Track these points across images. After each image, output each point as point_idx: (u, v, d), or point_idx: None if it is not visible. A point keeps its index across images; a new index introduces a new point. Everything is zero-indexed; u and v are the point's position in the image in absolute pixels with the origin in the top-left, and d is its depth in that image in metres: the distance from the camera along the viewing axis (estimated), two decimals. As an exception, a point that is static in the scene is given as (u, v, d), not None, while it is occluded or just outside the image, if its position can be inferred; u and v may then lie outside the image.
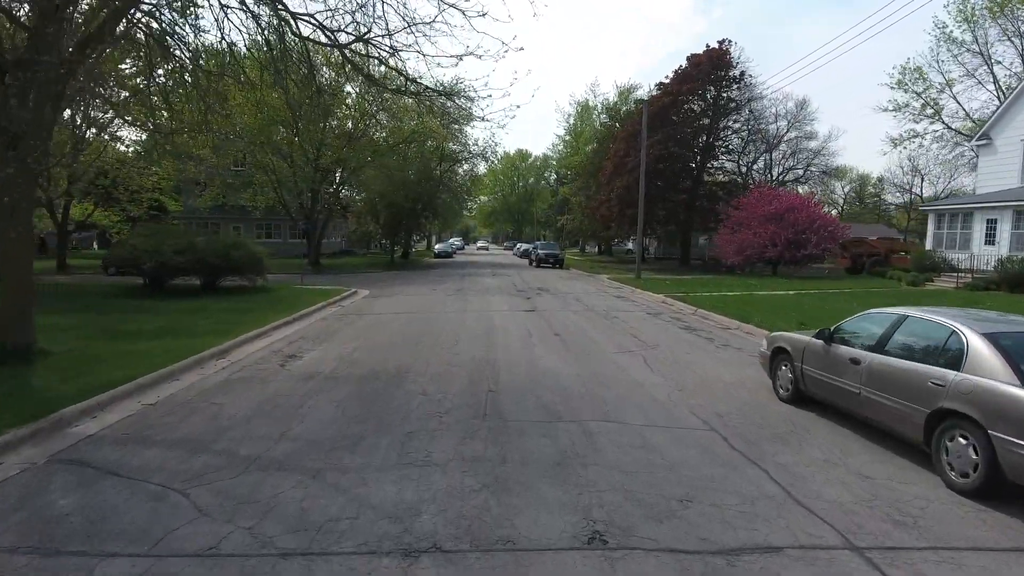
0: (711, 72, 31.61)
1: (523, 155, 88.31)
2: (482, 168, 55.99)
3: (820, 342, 6.19)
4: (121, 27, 8.98)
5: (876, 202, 62.65)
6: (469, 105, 13.05)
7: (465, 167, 46.90)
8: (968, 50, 27.18)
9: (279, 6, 8.84)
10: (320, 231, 34.44)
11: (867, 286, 21.32)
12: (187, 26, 8.93)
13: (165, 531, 3.62)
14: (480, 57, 9.20)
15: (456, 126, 42.10)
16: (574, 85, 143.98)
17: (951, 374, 4.55)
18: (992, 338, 4.54)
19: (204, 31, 25.46)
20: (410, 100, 31.63)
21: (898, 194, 66.40)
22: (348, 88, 32.68)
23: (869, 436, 5.52)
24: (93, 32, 7.98)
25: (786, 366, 6.78)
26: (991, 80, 28.39)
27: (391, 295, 18.84)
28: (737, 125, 33.48)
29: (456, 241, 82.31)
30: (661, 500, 4.10)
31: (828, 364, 5.98)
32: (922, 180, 65.45)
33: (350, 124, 31.36)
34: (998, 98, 26.80)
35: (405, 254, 42.42)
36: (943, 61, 27.95)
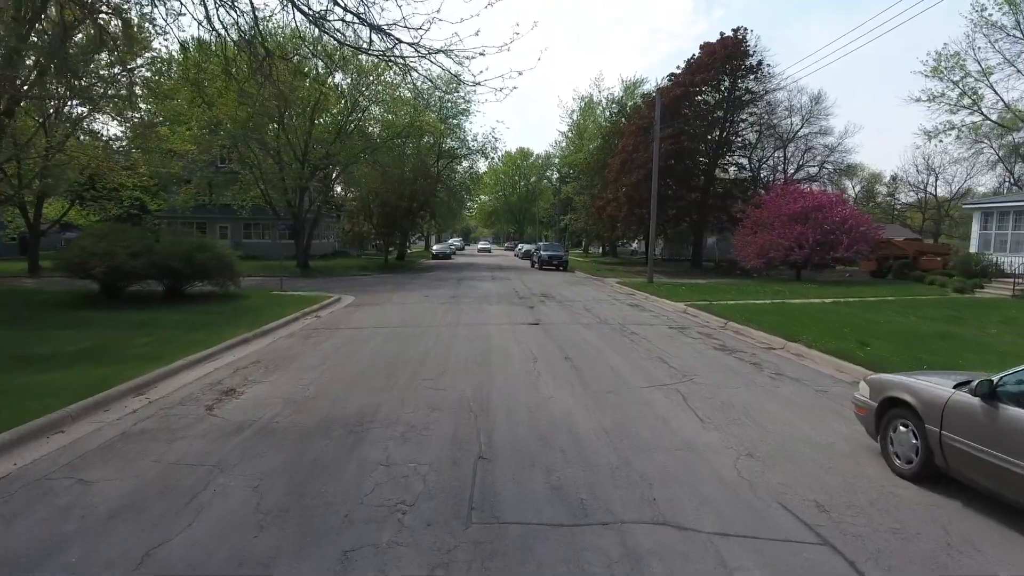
0: (726, 62, 29.54)
1: (524, 153, 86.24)
2: (482, 166, 54.03)
3: (974, 399, 4.13)
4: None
5: (890, 201, 60.47)
6: (458, 70, 10.78)
7: (464, 165, 44.90)
8: (1008, 35, 25.09)
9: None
10: (309, 231, 32.41)
11: (908, 293, 19.22)
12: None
13: None
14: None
15: (454, 120, 40.15)
16: (571, 86, 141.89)
17: None
18: None
19: (181, 14, 23.60)
20: (394, 75, 29.52)
21: (912, 193, 64.36)
22: (338, 78, 30.73)
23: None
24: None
25: (906, 427, 4.71)
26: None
27: (377, 303, 16.80)
28: (753, 119, 31.32)
29: (456, 242, 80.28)
30: None
31: (996, 436, 3.91)
32: (936, 179, 63.39)
33: (339, 115, 29.29)
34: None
35: (401, 256, 40.38)
36: (979, 48, 25.93)
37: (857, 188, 69.07)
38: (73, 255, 15.02)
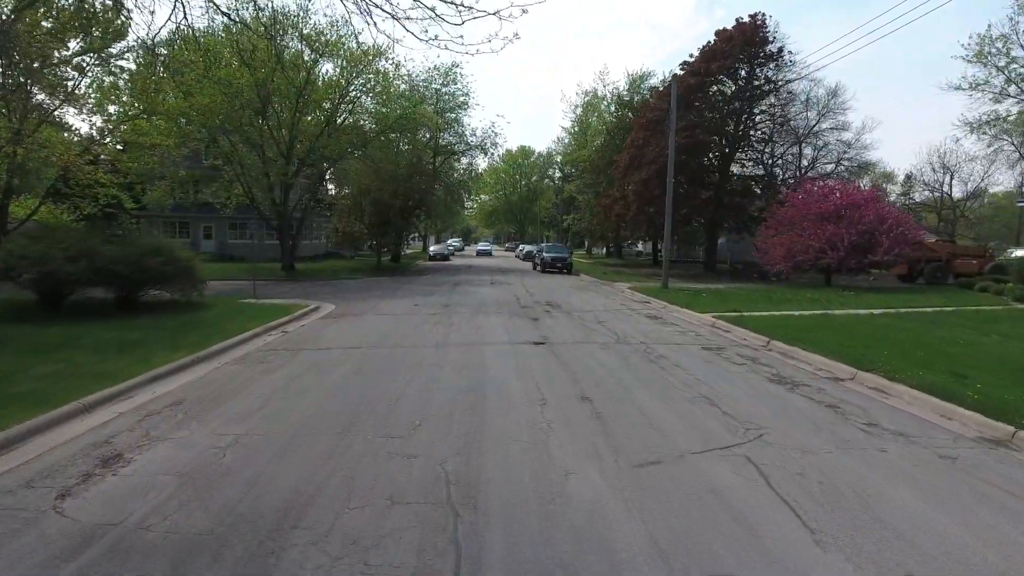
0: (743, 49, 27.37)
1: (525, 151, 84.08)
2: (482, 163, 51.91)
3: None
4: None
5: (904, 201, 58.27)
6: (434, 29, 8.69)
7: (463, 162, 42.77)
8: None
9: None
10: (296, 231, 30.32)
11: (963, 302, 17.07)
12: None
13: None
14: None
15: (451, 115, 38.03)
16: (570, 87, 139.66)
17: None
18: None
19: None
20: (387, 64, 27.39)
21: (927, 192, 62.20)
22: (327, 68, 28.64)
23: None
24: None
25: None
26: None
27: (359, 314, 14.67)
28: (774, 110, 29.07)
29: (455, 242, 78.14)
30: None
31: None
32: (951, 178, 61.21)
33: (327, 105, 27.15)
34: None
35: (396, 257, 38.25)
36: (1022, 32, 23.73)
37: (867, 188, 66.90)
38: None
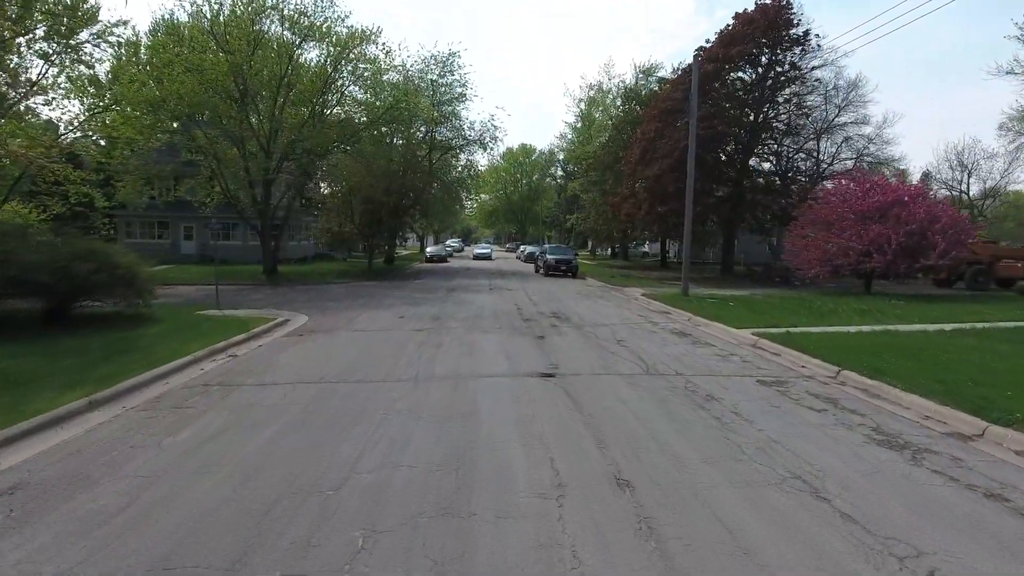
0: (766, 32, 25.05)
1: (526, 150, 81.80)
2: (481, 159, 49.60)
3: None
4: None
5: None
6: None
7: (462, 159, 40.44)
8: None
9: None
10: (279, 232, 28.05)
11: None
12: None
13: None
14: None
15: (448, 108, 35.75)
16: (570, 87, 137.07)
17: None
18: None
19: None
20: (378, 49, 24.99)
21: (944, 190, 59.94)
22: (312, 56, 26.37)
23: None
24: None
25: None
26: None
27: (332, 329, 12.39)
28: (799, 99, 26.60)
29: (454, 243, 75.85)
30: None
31: None
32: (969, 176, 59.00)
33: (311, 93, 24.85)
34: None
35: (389, 259, 35.95)
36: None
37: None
38: None
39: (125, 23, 24.94)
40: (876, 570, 3.45)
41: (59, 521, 4.00)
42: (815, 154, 35.27)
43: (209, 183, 26.46)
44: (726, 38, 25.93)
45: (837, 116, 35.50)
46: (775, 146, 27.39)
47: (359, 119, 28.09)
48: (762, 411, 6.68)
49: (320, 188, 34.76)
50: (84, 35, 22.26)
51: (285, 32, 23.86)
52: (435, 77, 34.55)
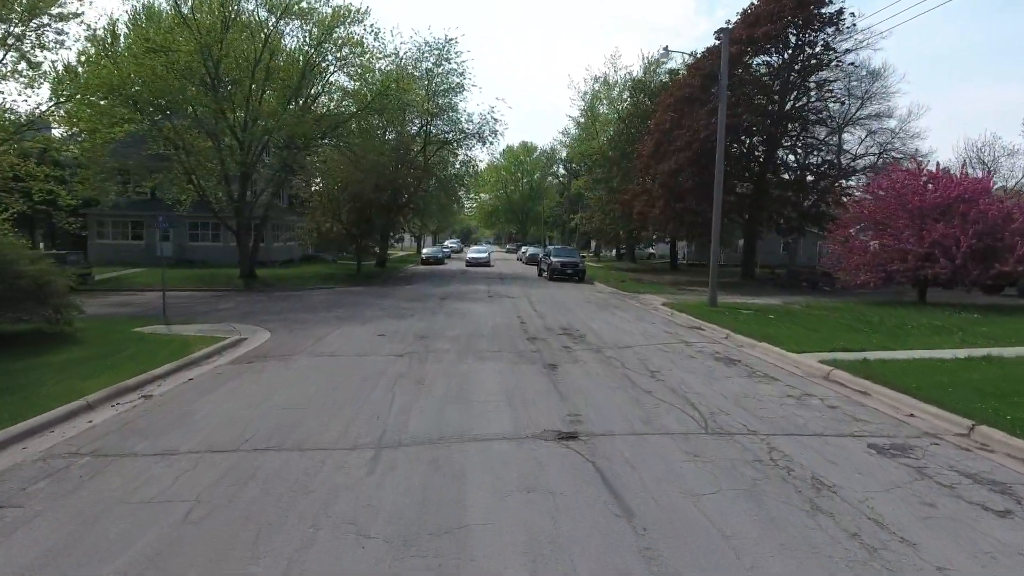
0: (795, 10, 22.58)
1: (527, 148, 79.41)
2: (480, 155, 47.09)
3: None
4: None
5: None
6: None
7: (460, 155, 37.91)
8: None
9: None
10: (258, 232, 25.64)
11: None
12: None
13: None
14: None
15: (444, 99, 33.26)
16: (571, 86, 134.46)
17: None
18: None
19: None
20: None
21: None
22: (290, 40, 23.93)
23: None
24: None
25: None
26: None
27: (291, 354, 9.94)
28: (833, 85, 24.08)
29: (453, 243, 73.43)
30: None
31: None
32: (989, 173, 56.72)
33: (290, 76, 22.40)
34: None
35: (381, 261, 33.48)
36: None
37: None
38: None
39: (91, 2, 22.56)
40: None
41: None
42: (837, 148, 32.80)
43: (184, 179, 24.01)
44: (750, 18, 23.48)
45: (860, 108, 33.07)
46: (805, 137, 24.85)
47: (346, 106, 25.64)
48: (918, 518, 4.21)
49: (309, 185, 32.30)
50: (45, 19, 19.90)
51: (259, 9, 21.43)
52: (430, 66, 32.09)
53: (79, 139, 22.47)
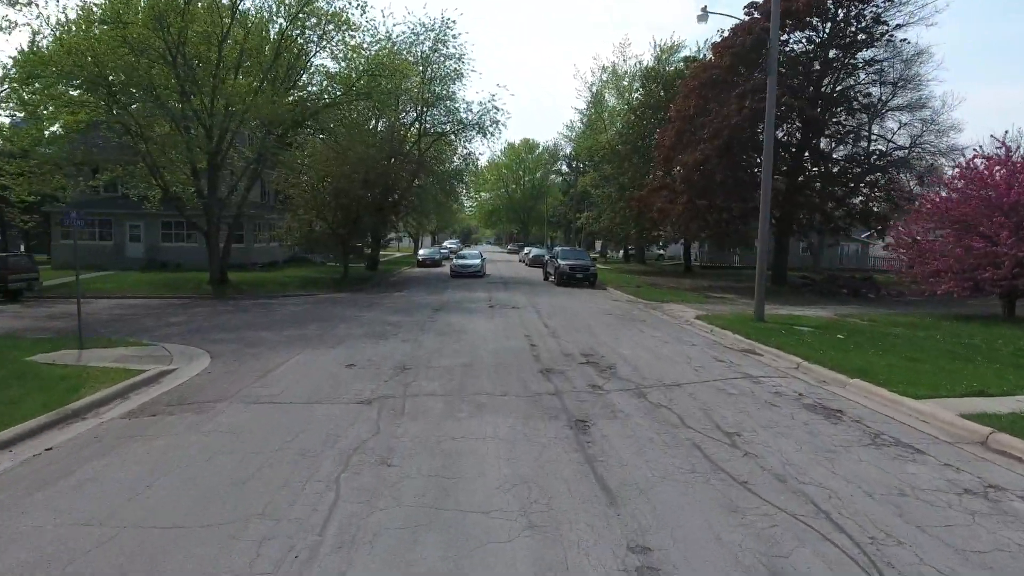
0: (837, -19, 19.83)
1: (529, 145, 76.60)
2: (480, 148, 44.30)
3: None
4: None
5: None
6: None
7: (459, 149, 35.13)
8: None
9: None
10: (233, 232, 22.92)
11: None
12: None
13: None
14: None
15: (439, 88, 30.51)
16: (572, 88, 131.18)
17: None
18: None
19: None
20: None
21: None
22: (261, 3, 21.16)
23: None
24: None
25: None
26: None
27: (217, 400, 7.19)
28: (883, 65, 21.13)
29: (452, 243, 70.55)
30: None
31: None
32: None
33: (261, 53, 19.66)
34: None
35: (372, 264, 30.71)
36: None
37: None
38: None
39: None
40: None
41: None
42: (867, 138, 29.87)
43: (146, 172, 21.27)
44: (784, -10, 20.68)
45: (893, 96, 30.16)
46: (848, 123, 22.01)
47: (332, 95, 22.91)
48: None
49: (290, 180, 29.47)
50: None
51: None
52: (426, 50, 29.34)
53: (22, 125, 19.82)
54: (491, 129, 31.50)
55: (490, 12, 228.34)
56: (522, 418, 6.48)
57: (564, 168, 68.24)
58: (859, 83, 21.53)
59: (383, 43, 27.31)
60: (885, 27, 20.28)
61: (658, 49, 39.82)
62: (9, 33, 17.56)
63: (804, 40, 21.65)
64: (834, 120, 21.84)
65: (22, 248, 37.50)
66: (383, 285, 25.02)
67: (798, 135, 22.53)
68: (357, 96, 22.79)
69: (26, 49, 17.96)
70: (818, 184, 21.31)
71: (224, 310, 16.59)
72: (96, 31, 17.53)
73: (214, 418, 6.46)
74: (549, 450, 5.50)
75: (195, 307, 17.17)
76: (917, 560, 3.65)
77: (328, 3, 20.09)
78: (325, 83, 22.85)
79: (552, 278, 26.26)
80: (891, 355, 9.58)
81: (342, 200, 23.55)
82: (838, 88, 21.81)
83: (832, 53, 21.40)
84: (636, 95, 38.37)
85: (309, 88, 22.71)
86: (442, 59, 29.45)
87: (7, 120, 22.69)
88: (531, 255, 41.66)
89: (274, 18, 19.71)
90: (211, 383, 8.08)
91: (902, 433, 6.22)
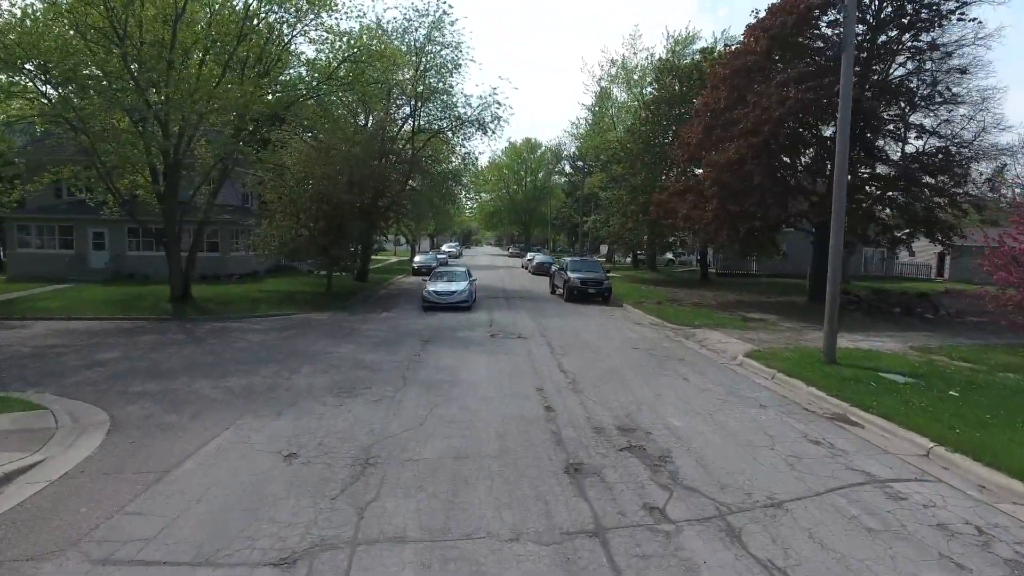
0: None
1: (531, 145, 73.87)
2: (480, 146, 41.40)
3: None
4: None
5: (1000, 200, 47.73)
6: None
7: (457, 145, 32.19)
8: None
9: None
10: (195, 239, 20.13)
11: None
12: None
13: None
14: None
15: (435, 81, 27.67)
16: (572, 88, 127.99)
17: None
18: None
19: None
20: None
21: (1019, 188, 51.68)
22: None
23: None
24: None
25: None
26: None
27: (28, 563, 4.35)
28: (957, 48, 18.06)
29: (451, 247, 67.73)
30: None
31: None
32: (1058, 172, 50.88)
33: (222, 36, 16.82)
34: None
35: (362, 275, 27.88)
36: None
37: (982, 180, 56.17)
38: None
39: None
40: None
41: None
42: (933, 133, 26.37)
43: (93, 172, 18.45)
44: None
45: (959, 86, 26.96)
46: (908, 118, 19.06)
47: (307, 85, 20.10)
48: None
49: (266, 183, 26.67)
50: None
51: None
52: (420, 38, 26.53)
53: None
54: (492, 125, 28.66)
55: (493, 17, 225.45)
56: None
57: (568, 168, 65.51)
58: (923, 69, 18.66)
59: (372, 29, 24.58)
60: (956, 2, 17.42)
61: (671, 40, 37.11)
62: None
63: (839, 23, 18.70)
64: (892, 113, 18.99)
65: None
66: (370, 301, 22.21)
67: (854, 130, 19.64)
68: (340, 86, 20.00)
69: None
70: (874, 187, 18.50)
71: (174, 339, 13.82)
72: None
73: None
74: None
75: (142, 334, 14.40)
76: None
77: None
78: (303, 71, 20.05)
79: (560, 291, 23.46)
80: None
81: (324, 205, 20.75)
82: (891, 76, 18.93)
83: (891, 34, 18.51)
84: (649, 89, 35.59)
85: (283, 77, 19.92)
86: (438, 48, 26.67)
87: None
88: (535, 261, 38.79)
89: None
90: (68, 500, 5.30)
91: None
